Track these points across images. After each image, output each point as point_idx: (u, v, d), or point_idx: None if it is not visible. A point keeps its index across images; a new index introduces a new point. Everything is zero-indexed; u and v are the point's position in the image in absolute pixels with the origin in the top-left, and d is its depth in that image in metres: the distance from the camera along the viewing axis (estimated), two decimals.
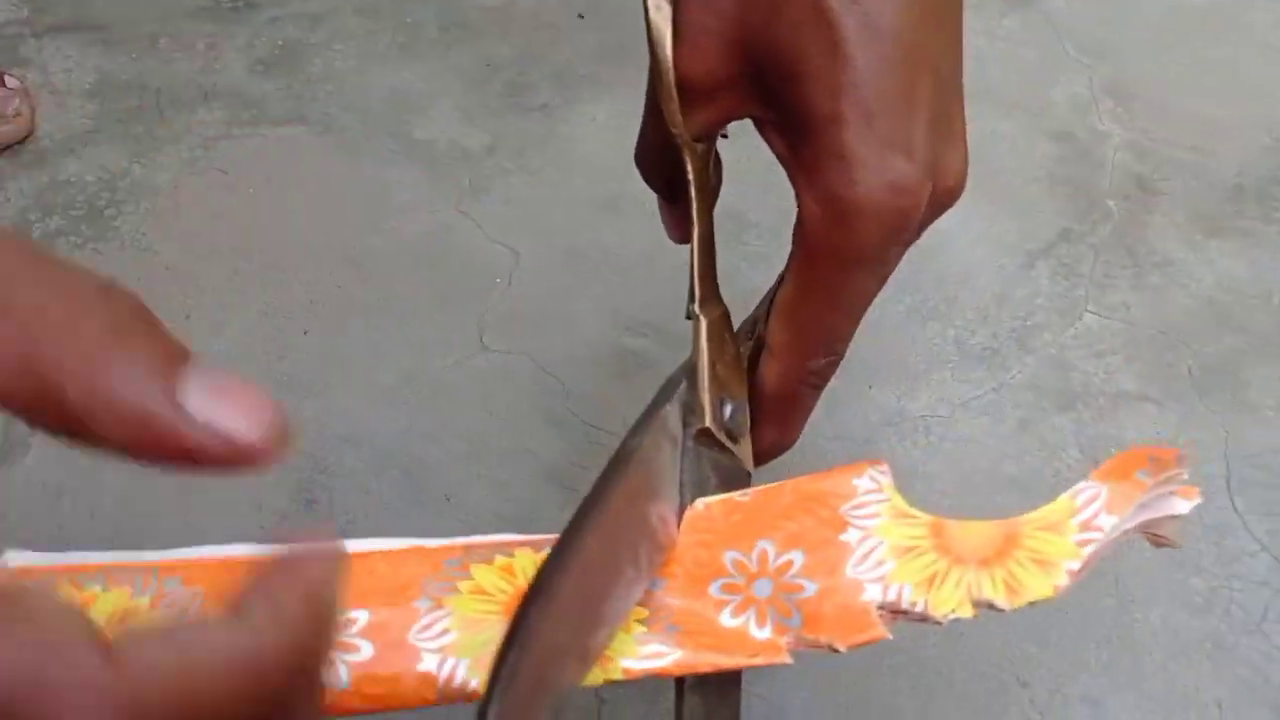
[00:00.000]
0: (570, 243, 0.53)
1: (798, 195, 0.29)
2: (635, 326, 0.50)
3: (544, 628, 0.25)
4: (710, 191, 0.34)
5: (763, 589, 0.28)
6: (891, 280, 0.51)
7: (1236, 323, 0.51)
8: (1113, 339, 0.50)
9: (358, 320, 0.50)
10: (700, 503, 0.31)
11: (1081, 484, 0.27)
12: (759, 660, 0.27)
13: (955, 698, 0.39)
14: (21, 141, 0.57)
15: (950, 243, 0.54)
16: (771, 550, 0.29)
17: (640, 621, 0.28)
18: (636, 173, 0.45)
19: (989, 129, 0.60)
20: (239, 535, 0.41)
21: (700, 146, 0.32)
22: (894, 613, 0.27)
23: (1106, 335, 0.50)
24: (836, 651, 0.26)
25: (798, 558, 0.28)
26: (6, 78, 0.57)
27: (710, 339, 0.33)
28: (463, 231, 0.54)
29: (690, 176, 0.33)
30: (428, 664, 0.28)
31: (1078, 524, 0.28)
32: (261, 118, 0.59)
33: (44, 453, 0.45)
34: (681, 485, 0.30)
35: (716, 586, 0.29)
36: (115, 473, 0.44)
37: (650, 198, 0.48)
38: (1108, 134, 0.60)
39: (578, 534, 0.27)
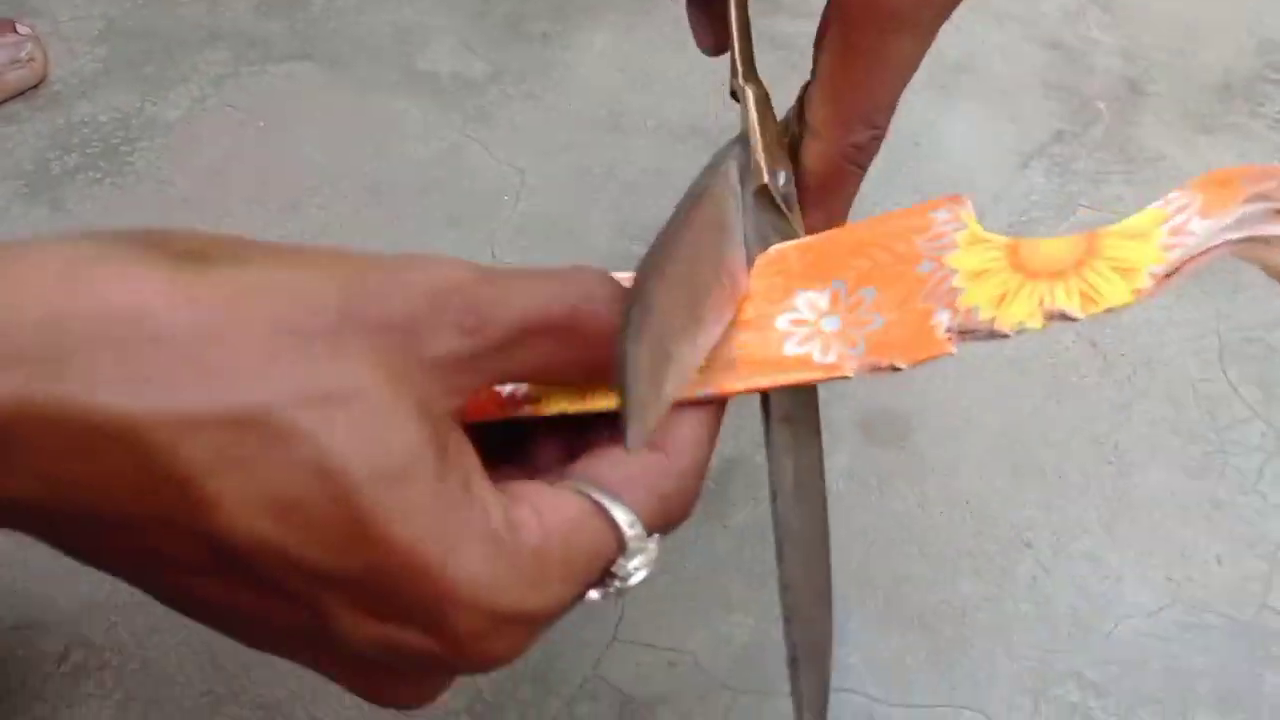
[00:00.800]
0: (575, 161, 0.54)
1: (810, 123, 0.30)
2: (643, 234, 0.52)
3: (660, 292, 0.25)
4: None
5: (830, 324, 0.29)
6: (890, 180, 0.53)
7: None
8: None
9: (375, 242, 0.52)
10: (774, 248, 0.31)
11: (1174, 192, 0.26)
12: (818, 376, 0.27)
13: (965, 560, 0.41)
14: (36, 86, 0.58)
15: (950, 146, 0.55)
16: (844, 290, 0.29)
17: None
18: (636, 95, 0.46)
19: (983, 38, 0.61)
20: None
21: None
22: (962, 333, 0.27)
23: (1100, 228, 0.52)
24: (898, 370, 0.26)
25: (869, 294, 0.28)
26: (18, 26, 0.58)
27: (761, 110, 0.33)
28: (470, 154, 0.56)
29: None
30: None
31: (1168, 230, 0.26)
32: (268, 56, 0.61)
33: None
34: (746, 239, 0.31)
35: (785, 320, 0.29)
36: None
37: (649, 115, 0.49)
38: (1096, 40, 0.61)
39: (665, 243, 0.26)
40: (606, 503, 0.25)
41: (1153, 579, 0.40)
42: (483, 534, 0.23)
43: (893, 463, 0.44)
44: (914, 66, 0.31)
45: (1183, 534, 0.42)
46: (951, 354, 0.27)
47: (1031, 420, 0.45)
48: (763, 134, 0.33)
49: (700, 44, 0.36)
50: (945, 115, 0.57)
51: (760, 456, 0.43)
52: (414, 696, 0.26)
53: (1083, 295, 0.26)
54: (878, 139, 0.33)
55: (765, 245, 0.32)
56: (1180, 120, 0.57)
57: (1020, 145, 0.55)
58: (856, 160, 0.33)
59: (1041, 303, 0.26)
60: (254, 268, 0.22)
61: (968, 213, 0.29)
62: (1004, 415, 0.45)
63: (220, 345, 0.21)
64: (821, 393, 0.45)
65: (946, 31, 0.63)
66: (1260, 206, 0.26)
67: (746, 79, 0.34)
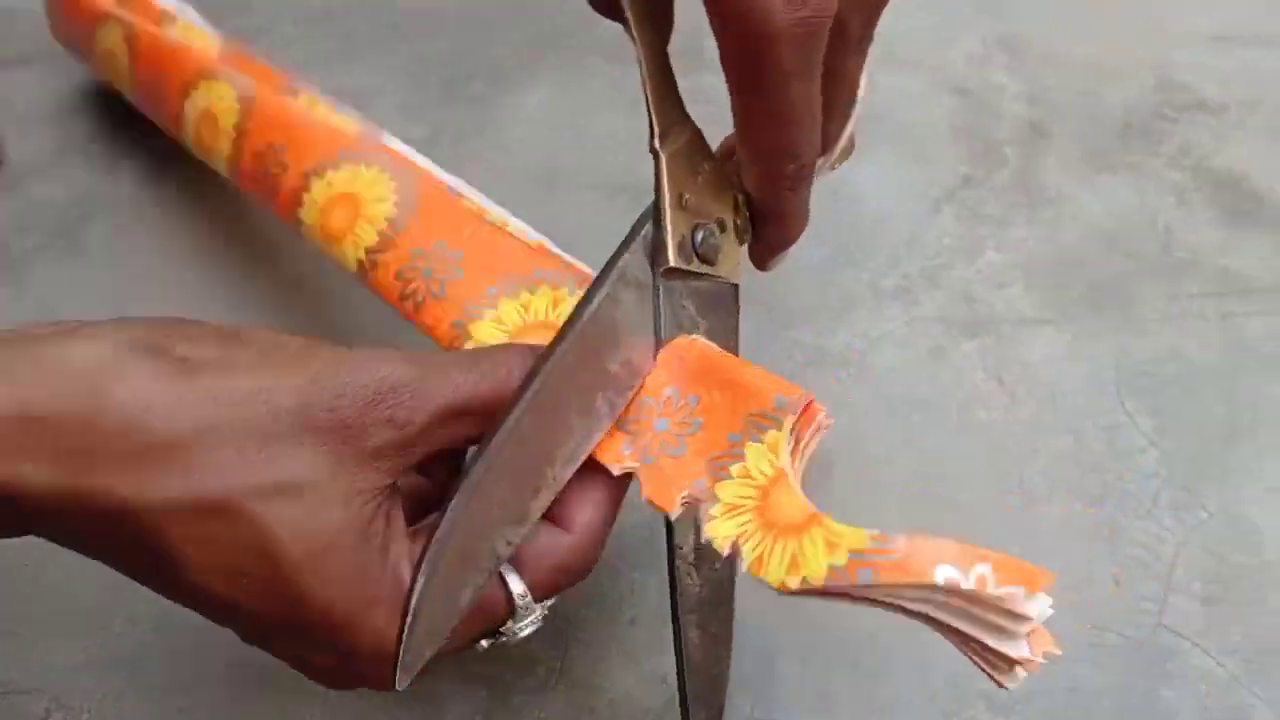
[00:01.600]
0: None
1: (711, 23, 0.31)
2: None
3: (470, 509, 0.31)
4: (654, 15, 0.35)
5: (661, 425, 0.34)
6: (809, 231, 0.57)
7: (1124, 248, 0.56)
8: (1013, 271, 0.55)
9: (321, 309, 0.55)
10: (687, 339, 0.35)
11: (891, 540, 0.29)
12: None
13: None
14: None
15: (863, 193, 0.59)
16: (692, 400, 0.34)
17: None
18: (570, 153, 0.49)
19: (894, 87, 0.64)
20: None
21: None
22: (687, 503, 0.32)
23: (1007, 268, 0.55)
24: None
25: (697, 421, 0.33)
26: None
27: (673, 172, 0.35)
28: None
29: (628, 15, 0.35)
30: None
31: (847, 559, 0.29)
32: None
33: None
34: (657, 324, 0.34)
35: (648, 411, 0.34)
36: None
37: (583, 173, 0.52)
38: (1002, 86, 0.65)
39: (513, 409, 0.32)
40: (507, 575, 0.32)
41: (1056, 603, 0.43)
42: (390, 596, 0.30)
43: (814, 501, 0.46)
44: (811, 104, 0.33)
45: (1083, 559, 0.45)
46: (670, 513, 0.33)
47: (942, 456, 0.48)
48: (680, 194, 0.35)
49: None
50: (860, 163, 0.60)
51: None
52: (343, 687, 0.33)
53: (792, 558, 0.30)
54: (806, 166, 0.35)
55: (679, 319, 0.36)
56: (1082, 161, 0.60)
57: (930, 190, 0.59)
58: (791, 187, 0.36)
59: (763, 551, 0.30)
60: (235, 376, 0.29)
61: (785, 427, 0.32)
62: (918, 452, 0.48)
63: (200, 447, 0.28)
64: None
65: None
66: (1004, 612, 0.28)
67: (665, 134, 0.35)
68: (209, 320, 0.32)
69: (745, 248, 0.39)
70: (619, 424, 0.34)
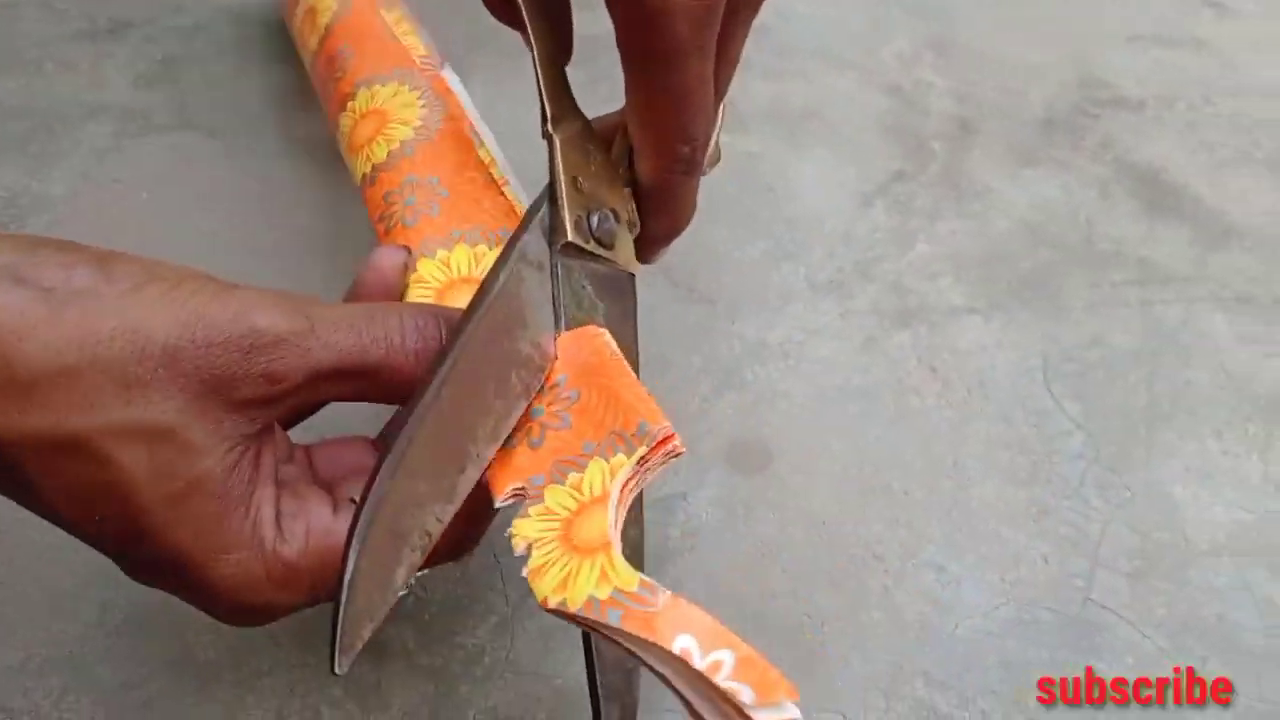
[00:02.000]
0: None
1: (607, 3, 0.32)
2: None
3: (397, 482, 0.30)
4: (552, 27, 0.36)
5: (537, 411, 0.34)
6: (745, 226, 0.58)
7: (1049, 239, 0.58)
8: (943, 262, 0.56)
9: None
10: (594, 329, 0.35)
11: (658, 591, 0.28)
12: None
13: (823, 576, 0.45)
14: None
15: (800, 189, 0.60)
16: (573, 395, 0.34)
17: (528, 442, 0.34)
18: (504, 148, 0.50)
19: (828, 86, 0.66)
20: None
21: None
22: (520, 496, 0.32)
23: (937, 260, 0.57)
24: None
25: (567, 418, 0.33)
26: None
27: (567, 156, 0.35)
28: (351, 215, 0.58)
29: (525, 16, 0.36)
30: None
31: (609, 595, 0.28)
32: (149, 128, 0.63)
33: None
34: (556, 304, 0.34)
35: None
36: None
37: (518, 168, 0.53)
38: (931, 84, 0.66)
39: (431, 383, 0.31)
40: None
41: (989, 581, 0.45)
42: (246, 543, 0.30)
43: (756, 489, 0.48)
44: (705, 84, 0.33)
45: (1014, 539, 0.46)
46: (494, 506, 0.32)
47: (879, 443, 0.49)
48: (574, 178, 0.35)
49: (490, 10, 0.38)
50: (795, 161, 0.61)
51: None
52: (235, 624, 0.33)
53: (566, 578, 0.29)
54: (701, 147, 0.35)
55: (580, 300, 0.35)
56: (1007, 155, 0.62)
57: (863, 186, 0.60)
58: (685, 171, 0.36)
59: (546, 562, 0.30)
60: (103, 312, 0.28)
61: (640, 452, 0.32)
62: (854, 440, 0.49)
63: (60, 383, 0.27)
64: (688, 427, 0.49)
65: (794, 79, 0.68)
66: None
67: (557, 120, 0.36)
68: (86, 244, 0.31)
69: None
70: None
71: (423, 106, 0.45)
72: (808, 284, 0.55)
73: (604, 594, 0.28)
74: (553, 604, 0.29)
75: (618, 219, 0.37)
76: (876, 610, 0.44)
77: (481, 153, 0.44)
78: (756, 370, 0.52)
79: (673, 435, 0.32)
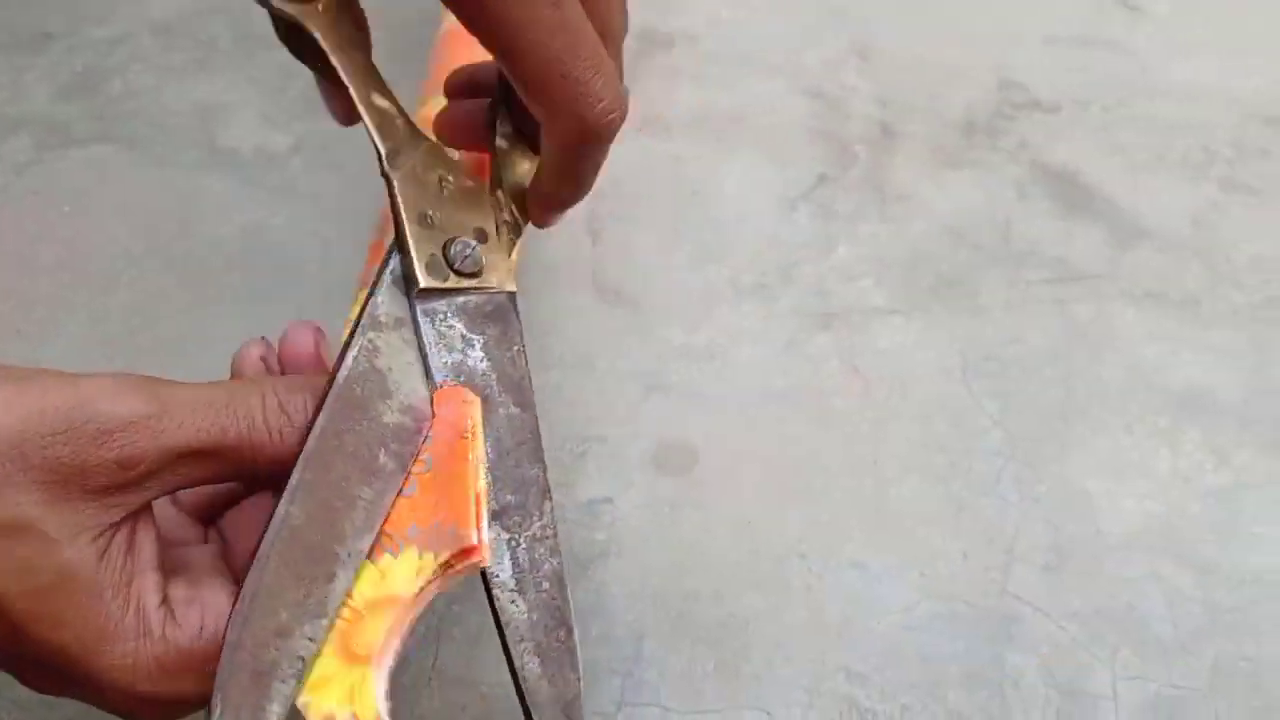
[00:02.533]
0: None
1: (541, 115, 0.33)
2: None
3: (252, 623, 0.28)
4: (353, 46, 0.34)
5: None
6: (672, 231, 0.58)
7: (969, 240, 0.59)
8: (864, 265, 0.57)
9: (183, 319, 0.54)
10: (465, 394, 0.33)
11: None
12: None
13: (747, 576, 0.46)
14: None
15: (725, 193, 0.60)
16: (428, 461, 0.32)
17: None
18: None
19: (751, 91, 0.67)
20: None
21: (320, 7, 0.34)
22: None
23: (859, 262, 0.57)
24: None
25: (414, 485, 0.32)
26: None
27: (408, 193, 0.34)
28: (275, 228, 0.58)
29: (320, 40, 0.34)
30: None
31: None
32: (69, 140, 0.62)
33: None
34: (424, 357, 0.32)
35: None
36: None
37: None
38: (855, 88, 0.67)
39: (282, 495, 0.30)
40: None
41: (908, 577, 0.46)
42: (132, 633, 0.29)
43: (681, 491, 0.48)
44: (583, 26, 0.32)
45: (933, 536, 0.47)
46: None
47: (801, 444, 0.50)
48: (424, 212, 0.33)
49: (336, 119, 0.38)
50: (721, 164, 0.62)
51: (560, 495, 0.47)
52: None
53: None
54: (611, 106, 0.33)
55: (451, 343, 0.34)
56: (929, 158, 0.63)
57: (787, 190, 0.61)
58: (598, 138, 0.34)
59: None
60: None
61: (442, 557, 0.31)
62: (778, 441, 0.50)
63: None
64: (615, 430, 0.50)
65: (720, 85, 0.69)
66: None
67: (393, 156, 0.34)
68: None
69: (517, 249, 0.37)
70: None
71: None
72: (732, 287, 0.56)
73: (343, 714, 0.28)
74: (298, 702, 0.28)
75: (484, 238, 0.35)
76: (800, 609, 0.45)
77: None
78: (682, 373, 0.52)
79: (476, 548, 0.31)
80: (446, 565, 0.31)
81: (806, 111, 0.66)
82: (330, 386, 0.31)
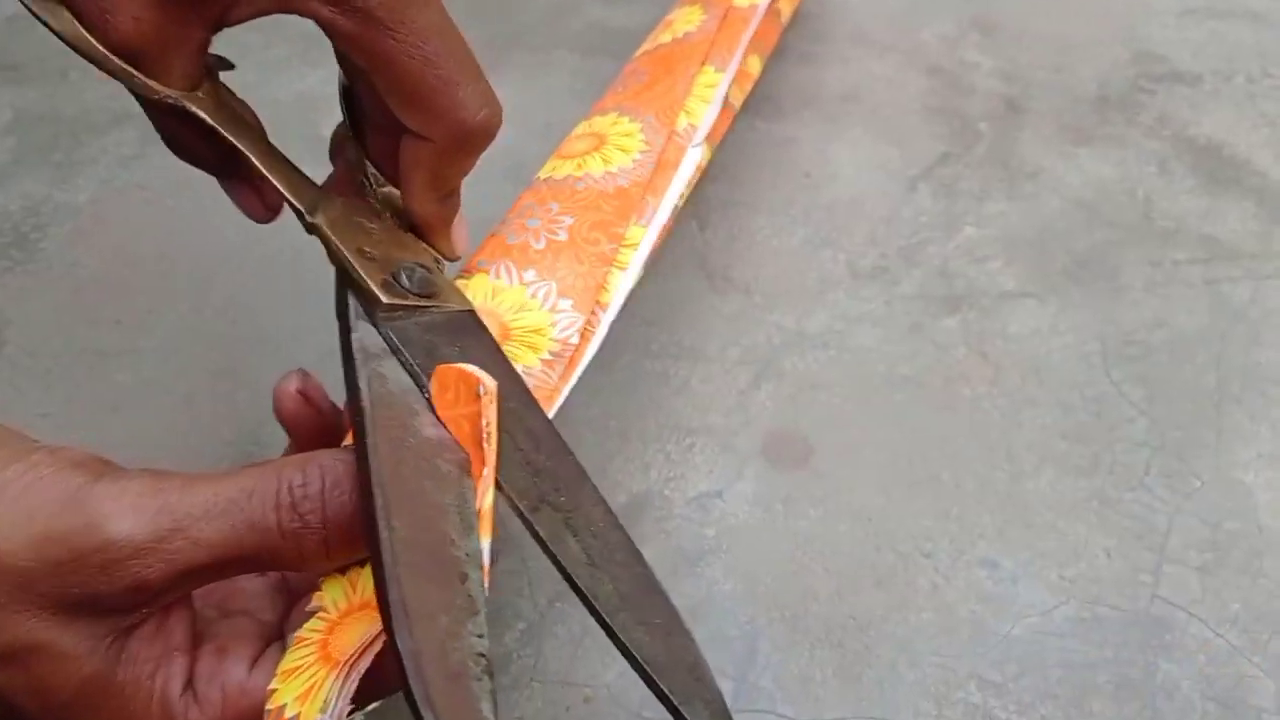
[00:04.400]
0: (478, 211, 0.56)
1: (418, 123, 0.32)
2: None
3: (419, 623, 0.26)
4: (244, 125, 0.34)
5: None
6: (785, 214, 0.55)
7: (1105, 218, 0.55)
8: (992, 245, 0.54)
9: (281, 311, 0.53)
10: (470, 373, 0.30)
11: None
12: None
13: (868, 574, 0.42)
14: None
15: (838, 176, 0.57)
16: None
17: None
18: (535, 144, 0.48)
19: (866, 70, 0.63)
20: None
21: (201, 94, 0.33)
22: None
23: (986, 243, 0.54)
24: None
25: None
26: None
27: (342, 234, 0.33)
28: None
29: (213, 124, 0.33)
30: None
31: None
32: None
33: None
34: (416, 375, 0.31)
35: None
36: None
37: (537, 161, 0.51)
38: (975, 63, 0.64)
39: (384, 517, 0.27)
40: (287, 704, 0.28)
41: (1047, 578, 0.42)
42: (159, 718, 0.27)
43: (796, 484, 0.45)
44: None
45: (1074, 532, 0.43)
46: None
47: (926, 433, 0.46)
48: (360, 250, 0.33)
49: (253, 217, 0.37)
50: (833, 145, 0.59)
51: (669, 490, 0.45)
52: None
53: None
54: (499, 108, 0.34)
55: (433, 354, 0.32)
56: (1058, 134, 0.59)
57: (907, 169, 0.57)
58: (451, 196, 0.36)
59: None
60: None
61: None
62: (900, 430, 0.47)
63: None
64: (724, 421, 0.47)
65: (831, 63, 0.66)
66: None
67: (313, 209, 0.33)
68: None
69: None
70: None
71: (642, 146, 0.44)
72: (849, 271, 0.53)
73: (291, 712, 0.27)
74: (287, 715, 0.27)
75: (427, 269, 0.34)
76: (926, 610, 0.41)
77: (634, 232, 0.42)
78: (795, 361, 0.49)
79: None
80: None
81: (924, 89, 0.62)
82: (361, 421, 0.29)
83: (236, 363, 0.50)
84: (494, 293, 0.38)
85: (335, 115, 0.49)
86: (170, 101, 0.32)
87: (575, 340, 0.37)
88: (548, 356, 0.36)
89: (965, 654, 0.40)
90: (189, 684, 0.28)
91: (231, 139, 0.33)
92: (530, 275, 0.39)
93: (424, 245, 0.36)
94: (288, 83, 0.65)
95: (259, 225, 0.57)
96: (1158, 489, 0.45)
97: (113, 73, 0.31)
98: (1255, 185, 0.56)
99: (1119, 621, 0.41)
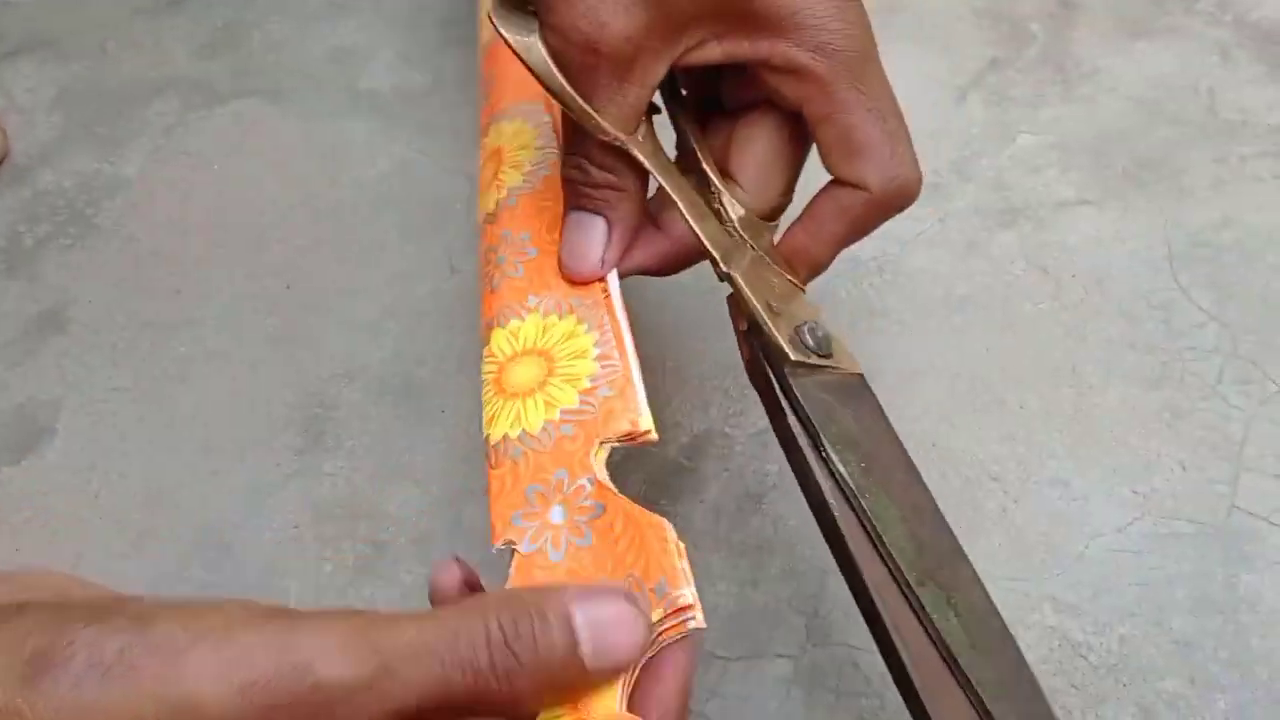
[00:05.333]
0: None
1: (859, 173, 0.34)
2: None
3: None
4: (675, 173, 0.35)
5: (557, 514, 0.32)
6: None
7: (1168, 115, 0.53)
8: (1048, 153, 0.52)
9: (335, 267, 0.53)
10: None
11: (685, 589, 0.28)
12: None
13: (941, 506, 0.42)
14: (0, 162, 0.60)
15: None
16: (597, 507, 0.31)
17: None
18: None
19: None
20: (258, 478, 0.45)
21: (640, 137, 0.34)
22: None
23: (1042, 151, 0.52)
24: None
25: (589, 534, 0.31)
26: None
27: (753, 285, 0.35)
28: (419, 167, 0.57)
29: (649, 168, 0.34)
30: None
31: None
32: (213, 98, 0.62)
33: (70, 437, 0.48)
34: (814, 434, 0.34)
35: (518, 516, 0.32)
36: (136, 442, 0.47)
37: None
38: None
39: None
40: None
41: (1119, 494, 0.41)
42: None
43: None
44: None
45: (1146, 446, 0.42)
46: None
47: (987, 355, 0.46)
48: (766, 302, 0.35)
49: (649, 265, 0.37)
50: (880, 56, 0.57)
51: (729, 427, 0.44)
52: None
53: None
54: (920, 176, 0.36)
55: (830, 413, 0.34)
56: (1114, 29, 0.57)
57: (956, 79, 0.55)
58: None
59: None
60: (142, 688, 0.24)
61: (656, 615, 0.29)
62: (960, 353, 0.46)
63: None
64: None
65: None
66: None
67: (728, 258, 0.35)
68: (124, 598, 0.28)
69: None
70: (525, 485, 0.32)
71: (538, 149, 0.41)
72: None
73: None
74: None
75: (825, 327, 0.36)
76: (995, 534, 0.41)
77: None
78: (849, 288, 0.49)
79: (692, 606, 0.29)
80: (657, 633, 0.29)
81: None
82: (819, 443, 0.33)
83: (295, 326, 0.51)
84: (544, 330, 0.36)
85: (371, 66, 0.49)
86: (616, 144, 0.33)
87: (615, 356, 0.36)
88: (587, 385, 0.35)
89: (1038, 576, 0.40)
90: None
91: (663, 183, 0.35)
92: (533, 299, 0.37)
93: (806, 299, 0.37)
94: (322, 37, 0.65)
95: (305, 184, 0.57)
96: (1232, 396, 0.43)
97: (569, 107, 0.32)
98: None
99: (1196, 535, 0.40)
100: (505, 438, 0.33)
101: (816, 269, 0.37)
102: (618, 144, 0.34)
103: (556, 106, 0.42)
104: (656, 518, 0.31)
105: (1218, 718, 0.37)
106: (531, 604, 0.28)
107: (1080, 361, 0.45)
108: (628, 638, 0.28)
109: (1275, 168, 0.50)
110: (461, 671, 0.27)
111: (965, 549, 0.40)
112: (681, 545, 0.29)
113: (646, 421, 0.33)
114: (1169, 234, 0.48)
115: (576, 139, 0.35)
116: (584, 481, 0.32)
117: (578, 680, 0.28)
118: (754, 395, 0.45)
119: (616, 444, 0.33)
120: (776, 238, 0.37)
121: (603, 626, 0.28)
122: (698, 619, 0.28)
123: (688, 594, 0.28)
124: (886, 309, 0.48)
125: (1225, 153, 0.50)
